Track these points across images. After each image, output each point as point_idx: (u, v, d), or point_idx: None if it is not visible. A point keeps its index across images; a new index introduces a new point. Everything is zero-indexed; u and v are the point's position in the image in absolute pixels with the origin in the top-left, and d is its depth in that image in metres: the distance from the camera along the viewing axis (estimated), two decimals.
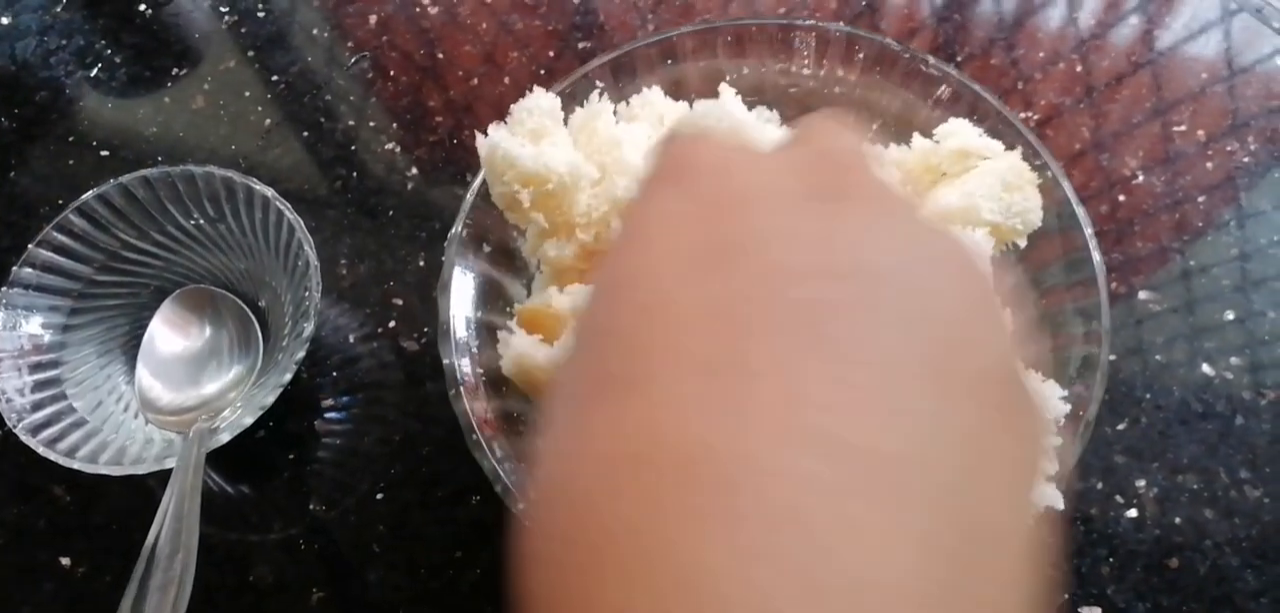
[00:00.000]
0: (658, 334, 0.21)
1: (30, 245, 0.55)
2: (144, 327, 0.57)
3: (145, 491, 0.55)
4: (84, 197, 0.56)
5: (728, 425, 0.18)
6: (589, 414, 0.20)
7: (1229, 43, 0.68)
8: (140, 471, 0.50)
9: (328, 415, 0.58)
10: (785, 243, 0.21)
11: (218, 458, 0.53)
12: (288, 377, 0.51)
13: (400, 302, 0.61)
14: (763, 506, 0.17)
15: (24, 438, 0.50)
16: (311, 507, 0.55)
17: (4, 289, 0.54)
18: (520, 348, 0.45)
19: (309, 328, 0.52)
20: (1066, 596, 0.50)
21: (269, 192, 0.55)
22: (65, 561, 0.54)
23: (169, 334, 0.57)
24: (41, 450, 0.50)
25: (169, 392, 0.55)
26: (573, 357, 0.23)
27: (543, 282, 0.52)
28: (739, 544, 0.17)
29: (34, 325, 0.55)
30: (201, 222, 0.58)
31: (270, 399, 0.51)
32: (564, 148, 0.47)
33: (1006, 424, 0.20)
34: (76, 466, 0.50)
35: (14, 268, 0.54)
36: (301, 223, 0.55)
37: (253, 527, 0.55)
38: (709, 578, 0.17)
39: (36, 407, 0.52)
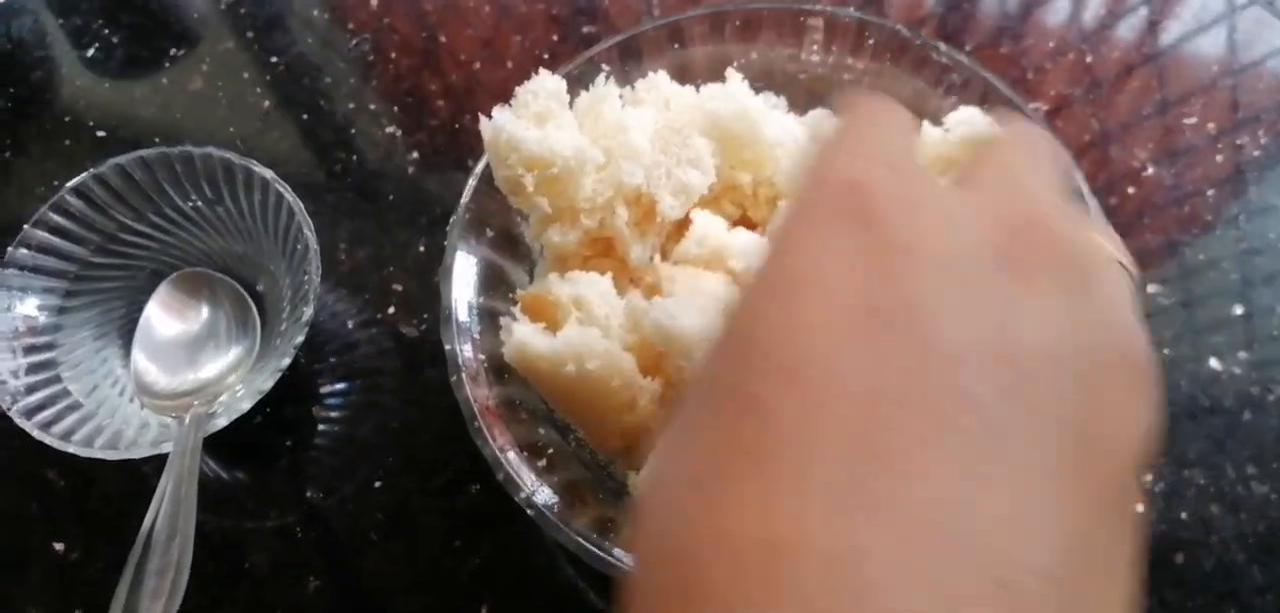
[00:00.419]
0: (809, 413, 0.20)
1: (26, 226, 0.54)
2: (140, 310, 0.56)
3: (140, 476, 0.54)
4: (80, 177, 0.55)
5: (873, 529, 0.18)
6: (721, 486, 0.20)
7: (1239, 35, 0.68)
8: (136, 455, 0.49)
9: (325, 402, 0.57)
10: (954, 320, 0.21)
11: (214, 444, 0.52)
12: (286, 362, 0.50)
13: (399, 287, 0.60)
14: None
15: (18, 421, 0.49)
16: (308, 494, 0.54)
17: None
18: (522, 336, 0.44)
19: (308, 312, 0.51)
20: None
21: (268, 174, 0.55)
22: (58, 546, 0.53)
23: (165, 317, 0.56)
24: (36, 434, 0.49)
25: (165, 376, 0.54)
26: (699, 411, 0.22)
27: (546, 267, 0.51)
28: None
29: (29, 307, 0.54)
30: (199, 203, 0.57)
31: (268, 384, 0.50)
32: (569, 132, 0.47)
33: (1121, 523, 0.21)
34: (71, 449, 0.49)
35: (9, 249, 0.54)
36: (301, 206, 0.54)
37: (249, 514, 0.54)
38: None
39: (31, 389, 0.51)
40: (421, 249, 0.61)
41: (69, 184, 0.55)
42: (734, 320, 0.23)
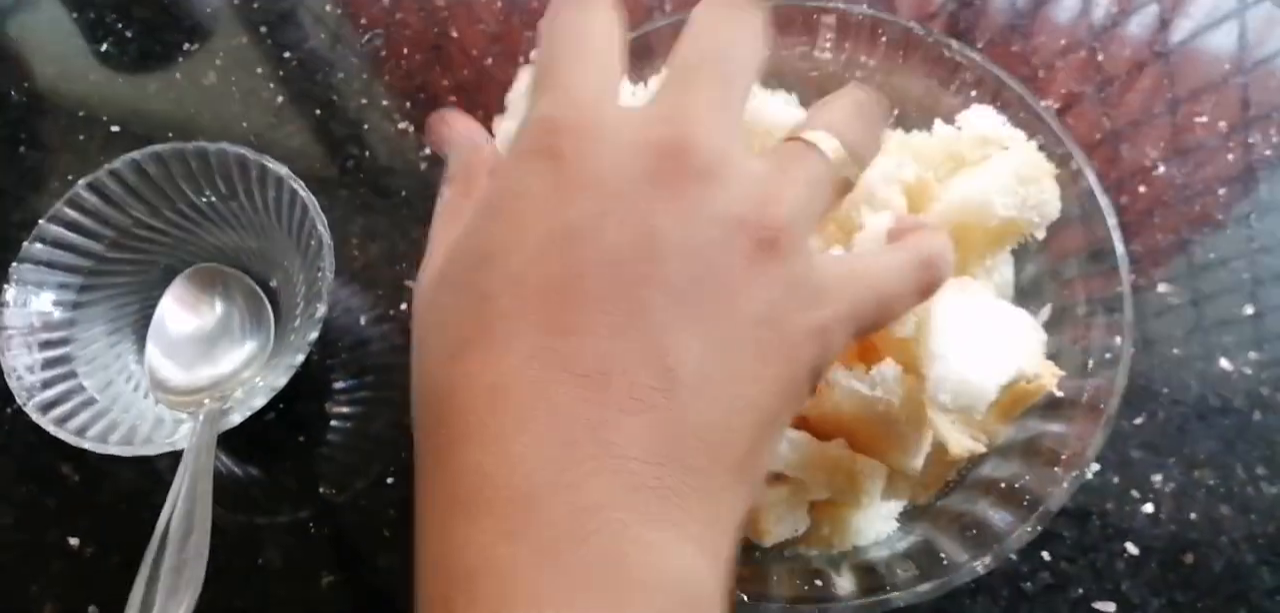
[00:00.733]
0: (517, 302, 0.29)
1: (41, 221, 0.54)
2: (154, 305, 0.56)
3: (153, 471, 0.55)
4: (96, 172, 0.55)
5: (557, 374, 0.27)
6: (463, 352, 0.29)
7: (1251, 33, 0.67)
8: (150, 451, 0.50)
9: (338, 397, 0.57)
10: (614, 232, 0.29)
11: (226, 439, 0.52)
12: (300, 358, 0.50)
13: (412, 284, 0.60)
14: (555, 423, 0.27)
15: (34, 416, 0.50)
16: (321, 490, 0.55)
17: (15, 265, 0.54)
18: None
19: (322, 309, 0.51)
20: (1081, 591, 0.50)
21: (283, 170, 0.55)
22: (73, 541, 0.54)
23: (179, 313, 0.56)
24: (52, 429, 0.49)
25: (179, 371, 0.55)
26: (447, 298, 0.31)
27: None
28: (535, 440, 0.27)
29: (44, 302, 0.54)
30: (213, 199, 0.58)
31: (282, 381, 0.50)
32: None
33: (752, 356, 0.29)
34: (86, 445, 0.49)
35: (24, 244, 0.54)
36: (315, 202, 0.54)
37: (262, 509, 0.54)
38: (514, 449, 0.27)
39: (46, 384, 0.52)
40: None
41: (83, 180, 0.55)
42: (465, 228, 0.32)
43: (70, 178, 0.56)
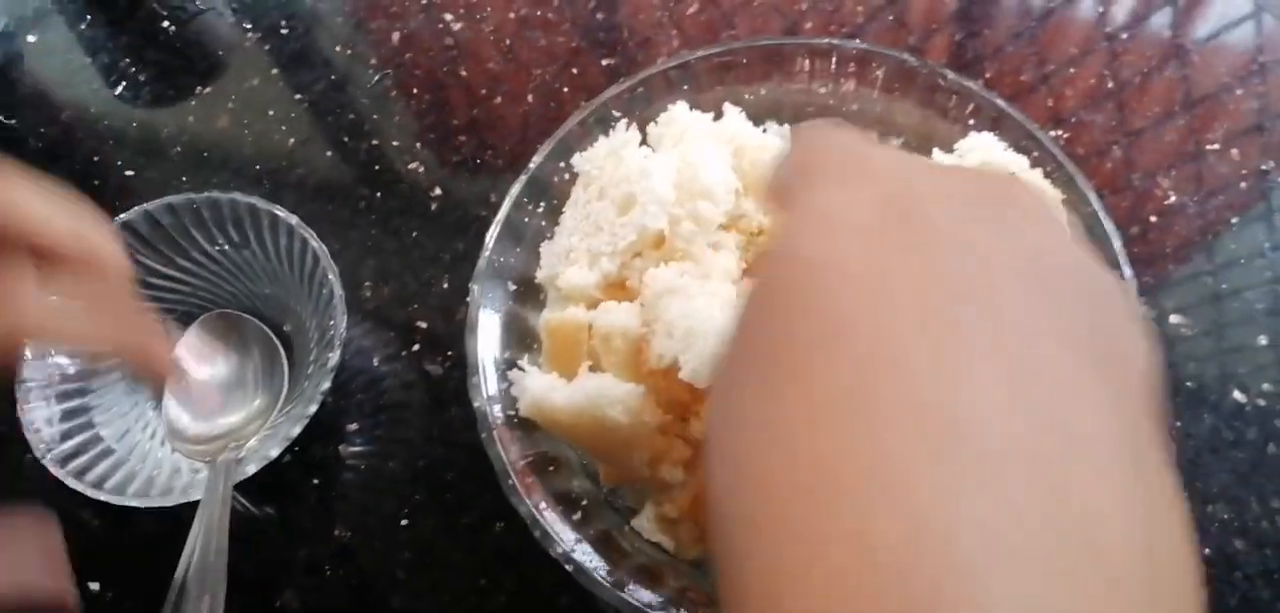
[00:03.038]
0: (864, 303, 0.23)
1: None
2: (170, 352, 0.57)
3: (173, 515, 0.55)
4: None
5: (913, 380, 0.21)
6: (806, 366, 0.23)
7: (1266, 56, 0.67)
8: (168, 503, 0.50)
9: (352, 439, 0.58)
10: (957, 250, 0.24)
11: (243, 481, 0.53)
12: (313, 408, 0.51)
13: (424, 325, 0.61)
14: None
15: (53, 470, 0.50)
16: (336, 531, 0.55)
17: None
18: (539, 390, 0.45)
19: (334, 358, 0.52)
20: None
21: (294, 219, 0.55)
22: (94, 586, 0.55)
23: (194, 361, 0.57)
24: (71, 483, 0.50)
25: (195, 420, 0.55)
26: (762, 322, 0.25)
27: (560, 301, 0.51)
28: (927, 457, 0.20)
29: (61, 354, 0.55)
30: (226, 247, 0.58)
31: (296, 430, 0.51)
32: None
33: (1148, 425, 0.23)
34: (104, 497, 0.50)
35: None
36: (326, 251, 0.54)
37: (278, 550, 0.55)
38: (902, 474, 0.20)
39: (65, 436, 0.52)
40: (445, 286, 0.62)
41: None
42: (773, 263, 0.26)
43: None
